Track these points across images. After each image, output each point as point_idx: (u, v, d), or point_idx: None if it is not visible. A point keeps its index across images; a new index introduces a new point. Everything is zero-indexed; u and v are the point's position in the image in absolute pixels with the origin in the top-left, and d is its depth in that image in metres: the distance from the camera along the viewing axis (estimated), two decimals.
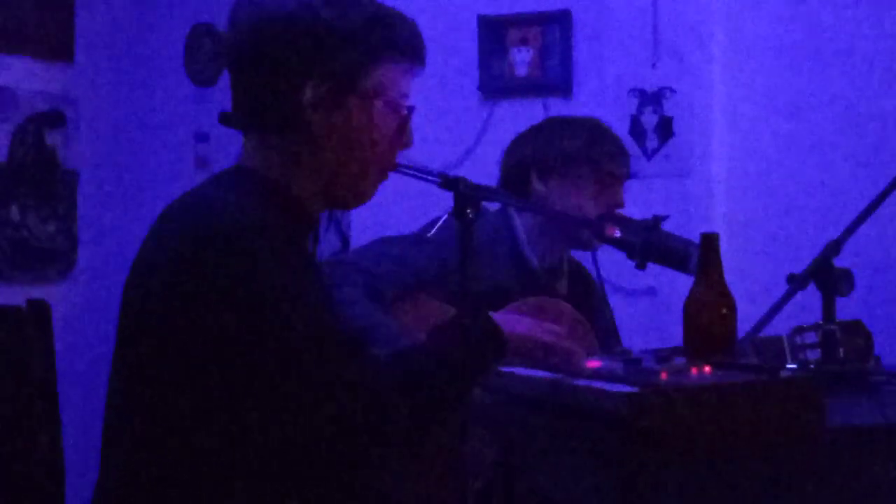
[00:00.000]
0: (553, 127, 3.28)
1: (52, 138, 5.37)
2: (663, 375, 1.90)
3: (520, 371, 2.16)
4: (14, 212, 5.19)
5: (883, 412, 1.93)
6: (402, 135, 2.13)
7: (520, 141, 3.27)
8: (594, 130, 3.22)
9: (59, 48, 5.37)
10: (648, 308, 4.02)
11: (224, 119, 2.11)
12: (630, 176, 3.24)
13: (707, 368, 1.98)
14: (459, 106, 4.51)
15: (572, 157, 3.15)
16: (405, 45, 2.09)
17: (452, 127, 4.48)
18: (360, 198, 2.13)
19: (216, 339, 1.86)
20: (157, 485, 1.92)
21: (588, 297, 3.31)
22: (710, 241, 2.38)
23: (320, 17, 2.02)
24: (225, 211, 1.93)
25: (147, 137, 5.65)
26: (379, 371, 1.93)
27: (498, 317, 2.08)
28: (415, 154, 4.47)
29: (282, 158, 2.05)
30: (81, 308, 5.35)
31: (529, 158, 3.20)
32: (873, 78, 4.06)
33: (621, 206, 3.19)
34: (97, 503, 2.00)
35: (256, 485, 1.90)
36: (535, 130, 3.28)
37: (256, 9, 2.05)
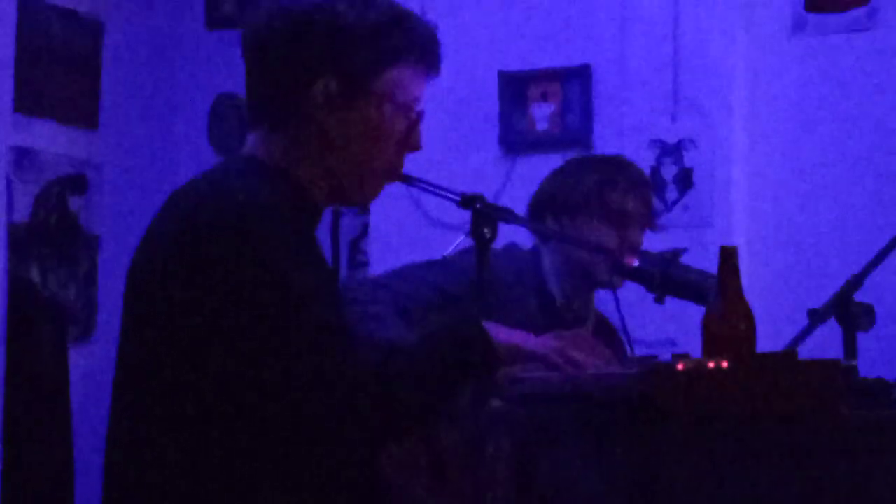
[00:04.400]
0: (570, 167, 3.28)
1: (75, 202, 5.40)
2: (680, 365, 1.88)
3: (535, 373, 2.13)
4: (34, 273, 5.19)
5: None
6: (410, 138, 2.13)
7: (543, 183, 3.27)
8: (609, 169, 3.21)
9: (84, 113, 5.43)
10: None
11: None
12: (652, 215, 3.21)
13: (724, 363, 1.95)
14: (480, 160, 4.53)
15: (583, 197, 3.14)
16: (420, 49, 2.10)
17: (473, 181, 4.47)
18: (364, 197, 2.15)
19: (214, 318, 1.88)
20: (162, 482, 1.93)
21: (611, 346, 3.28)
22: (728, 255, 2.36)
23: (338, 15, 2.03)
24: (231, 193, 1.94)
25: None
26: (359, 365, 1.92)
27: (490, 325, 2.06)
28: (436, 207, 4.49)
29: (289, 151, 2.06)
30: (99, 373, 5.33)
31: (546, 200, 3.21)
32: (891, 122, 4.08)
33: (637, 245, 3.16)
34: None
35: (261, 482, 1.90)
36: (556, 172, 3.28)
37: (277, 3, 2.07)
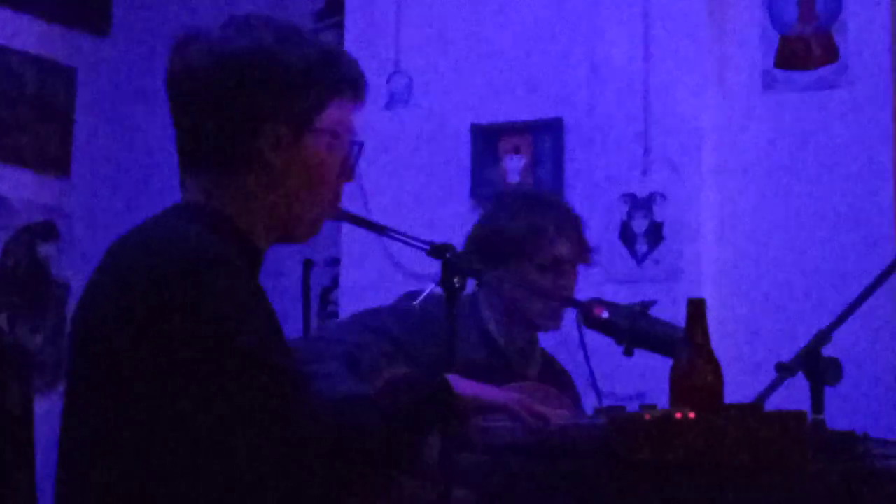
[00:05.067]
0: (497, 212, 3.25)
1: (45, 250, 5.38)
2: (647, 416, 1.88)
3: (500, 423, 2.13)
4: (2, 320, 5.16)
5: (870, 463, 1.91)
6: (346, 169, 2.14)
7: (474, 227, 3.26)
8: (536, 213, 3.18)
9: (56, 161, 5.42)
10: None
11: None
12: (583, 252, 3.18)
13: (692, 414, 1.95)
14: (451, 212, 4.54)
15: (514, 245, 3.13)
16: (352, 83, 2.13)
17: (444, 232, 4.48)
18: (311, 232, 2.14)
19: (161, 368, 1.86)
20: None
21: (560, 387, 3.27)
22: (696, 308, 2.37)
23: (275, 58, 2.04)
24: (172, 242, 1.94)
25: None
26: (317, 417, 1.91)
27: (452, 378, 2.06)
28: (406, 258, 4.50)
29: (233, 195, 2.04)
30: None
31: (478, 244, 3.20)
32: (860, 179, 4.12)
33: (570, 291, 3.15)
34: None
35: None
36: (485, 216, 3.27)
37: (207, 47, 2.05)
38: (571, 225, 3.19)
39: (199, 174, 2.06)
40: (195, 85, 2.04)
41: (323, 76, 2.07)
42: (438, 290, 2.48)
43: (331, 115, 2.08)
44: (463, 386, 2.05)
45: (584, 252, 3.20)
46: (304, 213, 2.10)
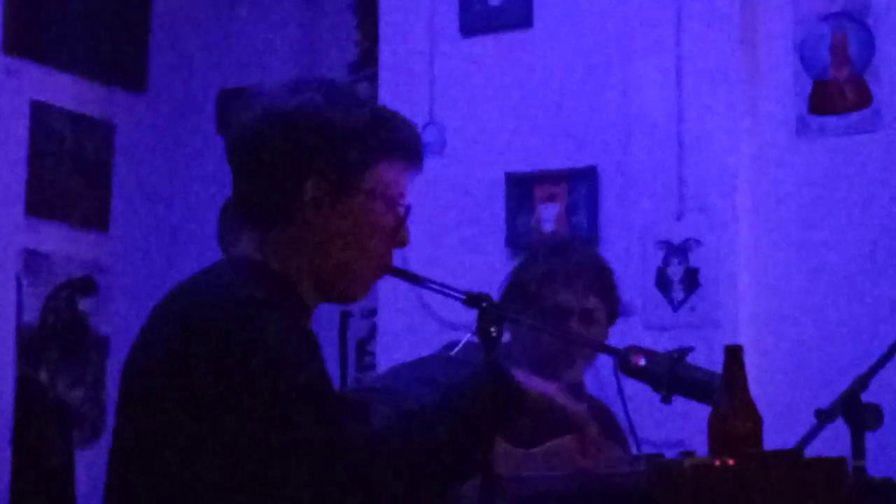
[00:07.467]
0: (524, 260, 3.28)
1: (85, 304, 5.43)
2: (686, 463, 1.88)
3: (537, 474, 2.14)
4: (43, 375, 5.20)
5: None
6: (398, 233, 2.17)
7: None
8: (551, 260, 3.19)
9: (94, 216, 5.48)
10: None
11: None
12: (589, 309, 3.13)
13: (731, 461, 1.95)
14: (487, 261, 4.55)
15: (528, 293, 3.14)
16: (404, 145, 2.16)
17: (480, 282, 4.48)
18: (355, 294, 2.17)
19: (216, 407, 1.90)
20: None
21: (610, 431, 3.26)
22: (734, 354, 2.37)
23: (323, 116, 2.08)
24: (220, 290, 1.98)
25: None
26: (380, 436, 1.95)
27: (519, 373, 2.10)
28: (442, 307, 4.50)
29: (279, 252, 2.08)
30: None
31: (502, 291, 3.20)
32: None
33: (574, 342, 3.13)
34: None
35: None
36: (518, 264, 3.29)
37: (260, 105, 2.10)
38: (585, 275, 3.16)
39: (250, 229, 2.11)
40: (246, 142, 2.09)
41: (369, 137, 2.10)
42: (474, 339, 2.48)
43: (376, 177, 2.11)
44: (531, 381, 2.10)
45: (588, 308, 3.14)
46: (347, 275, 2.12)
